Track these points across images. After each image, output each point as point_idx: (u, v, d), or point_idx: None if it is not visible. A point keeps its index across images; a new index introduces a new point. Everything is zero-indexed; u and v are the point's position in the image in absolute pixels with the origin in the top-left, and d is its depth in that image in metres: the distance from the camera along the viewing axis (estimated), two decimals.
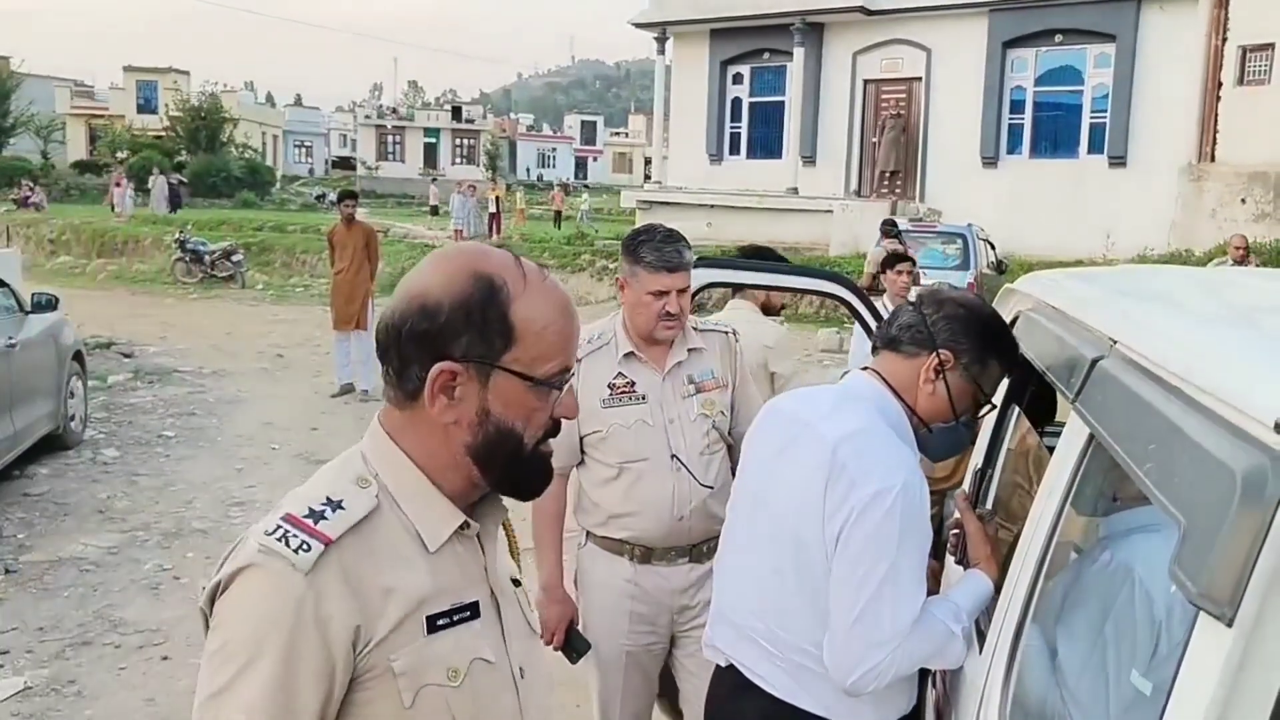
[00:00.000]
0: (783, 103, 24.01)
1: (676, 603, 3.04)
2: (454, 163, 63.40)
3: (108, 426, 9.36)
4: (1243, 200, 18.08)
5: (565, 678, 4.90)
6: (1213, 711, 0.94)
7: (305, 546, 1.24)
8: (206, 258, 20.90)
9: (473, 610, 1.35)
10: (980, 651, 2.00)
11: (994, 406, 2.24)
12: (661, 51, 25.04)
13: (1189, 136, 19.07)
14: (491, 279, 1.32)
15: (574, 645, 2.93)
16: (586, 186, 38.04)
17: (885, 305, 6.88)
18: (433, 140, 64.24)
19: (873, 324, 3.58)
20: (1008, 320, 3.11)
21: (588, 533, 3.09)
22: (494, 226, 26.77)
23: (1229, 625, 0.95)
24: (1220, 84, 18.63)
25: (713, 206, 22.07)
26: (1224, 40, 18.55)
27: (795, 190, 21.91)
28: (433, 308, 1.30)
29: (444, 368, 1.30)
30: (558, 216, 32.55)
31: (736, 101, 24.97)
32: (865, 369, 2.26)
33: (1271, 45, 17.73)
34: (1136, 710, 1.17)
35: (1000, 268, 15.77)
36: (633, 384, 3.00)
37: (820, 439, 2.06)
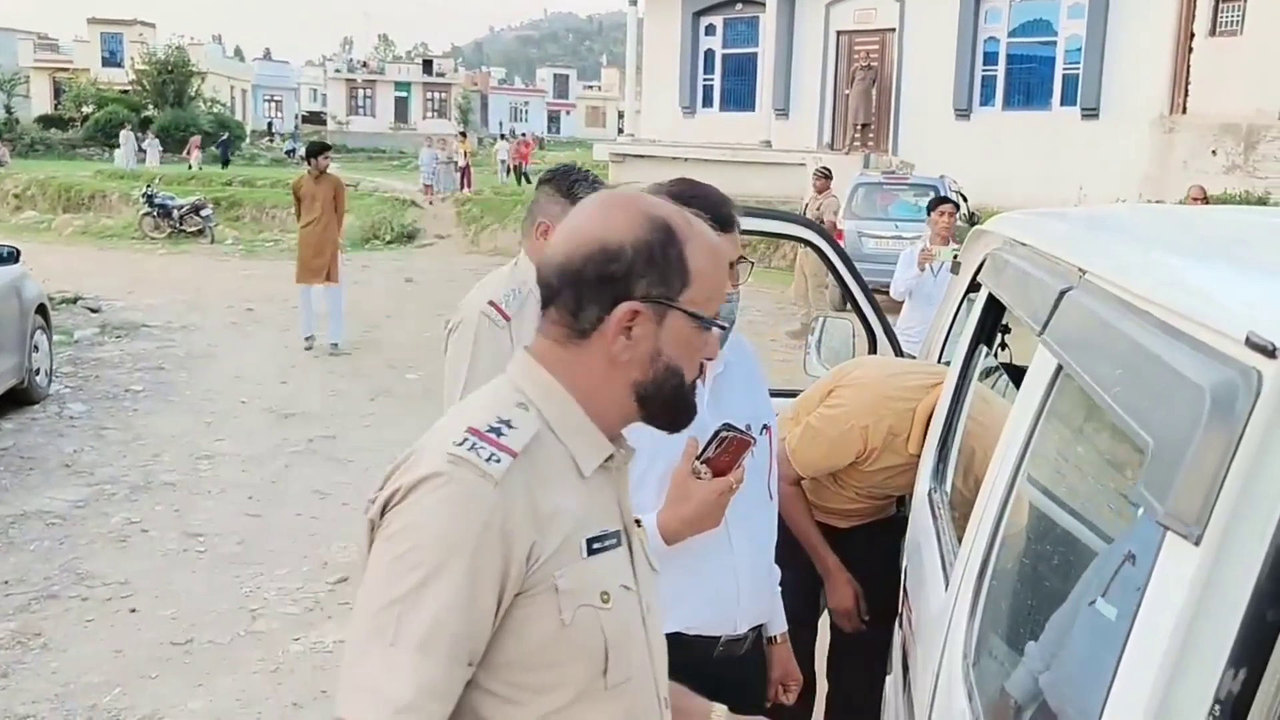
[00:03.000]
0: (755, 54, 23.79)
1: None
2: (425, 117, 62.70)
3: (74, 381, 9.25)
4: (1214, 152, 18.12)
5: None
6: (1179, 630, 0.92)
7: (496, 458, 1.27)
8: (175, 212, 20.64)
9: (617, 538, 1.39)
10: (946, 588, 1.99)
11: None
12: (634, 3, 24.73)
13: (1161, 88, 19.07)
14: (668, 222, 1.38)
15: None
16: (503, 136, 37.39)
17: (926, 244, 7.26)
18: (404, 94, 63.49)
19: (841, 267, 3.54)
20: (978, 263, 3.10)
21: None
22: (465, 181, 26.49)
23: (1196, 544, 0.93)
24: (1193, 35, 18.60)
25: (686, 159, 21.88)
26: None
27: (768, 143, 21.76)
28: (615, 250, 1.35)
29: (630, 307, 1.35)
30: (518, 171, 32.15)
31: (709, 53, 24.73)
32: None
33: None
34: (1102, 636, 1.16)
35: (973, 219, 15.77)
36: None
37: None
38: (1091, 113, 19.73)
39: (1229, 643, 0.85)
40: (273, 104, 67.01)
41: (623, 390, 1.39)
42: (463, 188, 25.73)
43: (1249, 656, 0.83)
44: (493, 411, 1.34)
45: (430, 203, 23.42)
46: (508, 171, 31.46)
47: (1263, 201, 15.44)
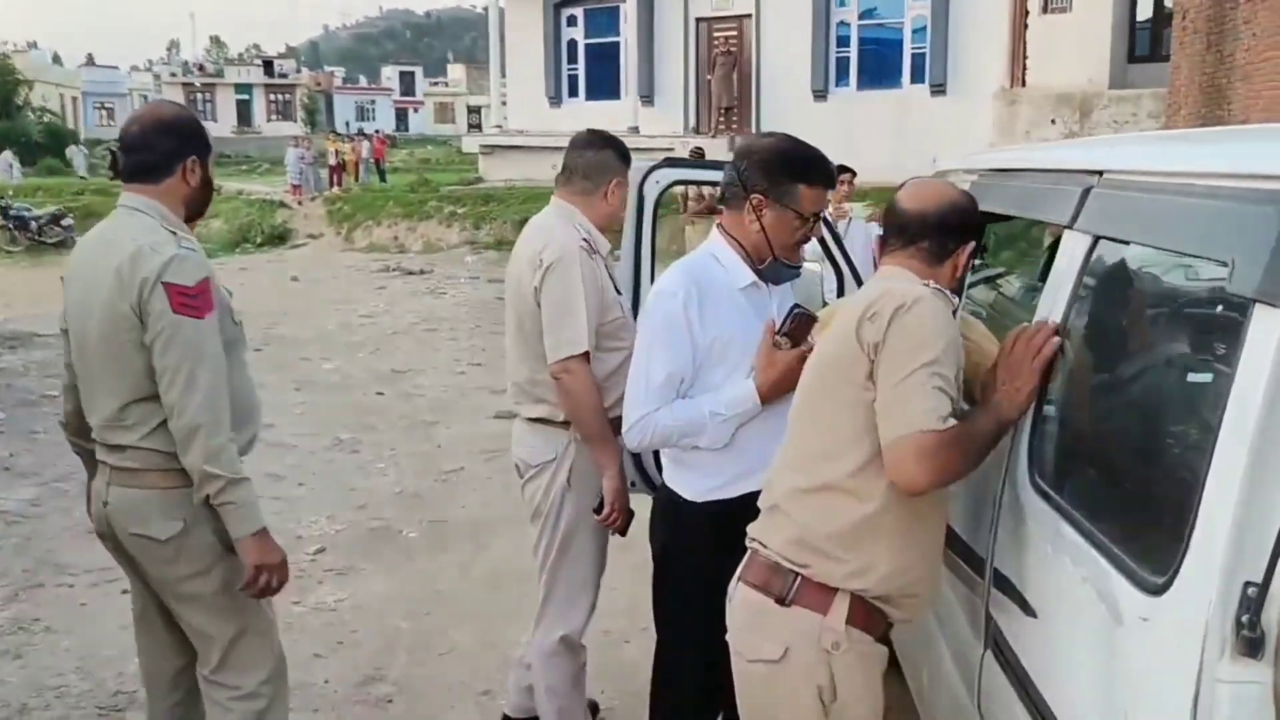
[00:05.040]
0: (618, 43, 24.28)
1: None
2: (270, 119, 61.26)
3: None
4: (1052, 121, 19.41)
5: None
6: (1278, 361, 1.39)
7: (946, 293, 2.23)
8: (33, 224, 19.93)
9: None
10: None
11: (816, 220, 2.76)
12: None
13: (1001, 63, 20.31)
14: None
15: (628, 521, 3.39)
16: (365, 135, 37.15)
17: (828, 213, 7.83)
18: (245, 97, 61.84)
19: None
20: None
21: None
22: (335, 179, 26.22)
23: None
24: (1027, 12, 19.87)
25: (556, 149, 22.18)
26: None
27: (636, 129, 22.24)
28: (966, 209, 2.31)
29: (972, 245, 2.29)
30: (378, 166, 31.75)
31: (572, 44, 25.09)
32: (719, 223, 2.81)
33: None
34: (1203, 399, 1.63)
35: None
36: (612, 276, 3.43)
37: None
38: (939, 89, 20.88)
39: None
40: (104, 111, 64.33)
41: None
42: (332, 186, 25.48)
43: None
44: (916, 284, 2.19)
45: (299, 203, 23.17)
46: (369, 170, 31.09)
47: None
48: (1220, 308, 1.61)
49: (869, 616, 2.18)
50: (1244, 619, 1.39)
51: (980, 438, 2.08)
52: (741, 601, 2.31)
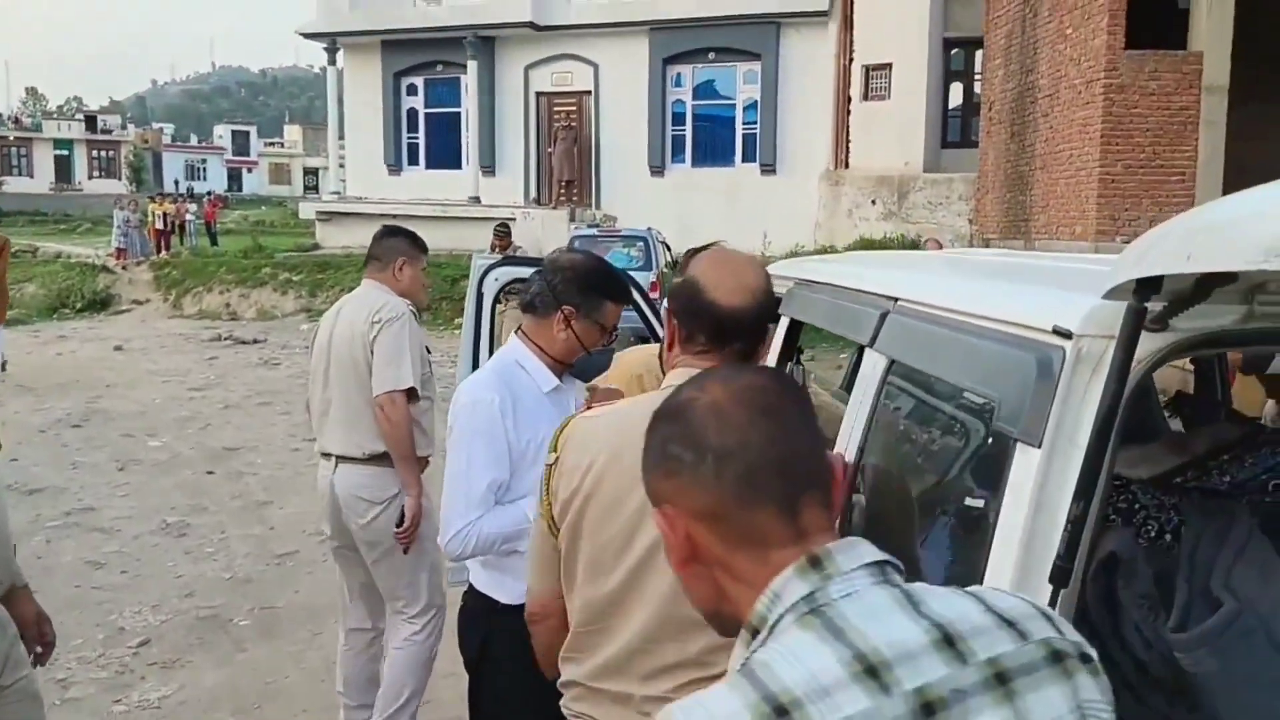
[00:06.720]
0: (459, 114, 24.45)
1: None
2: (92, 176, 58.87)
3: None
4: (873, 201, 20.50)
5: None
6: (1035, 493, 1.60)
7: None
8: None
9: None
10: None
11: (615, 333, 2.97)
12: (333, 62, 24.76)
13: (827, 146, 21.38)
14: None
15: None
16: (194, 198, 35.97)
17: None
18: (65, 152, 59.28)
19: (640, 301, 4.13)
20: None
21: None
22: (163, 243, 25.32)
23: (1038, 446, 1.61)
24: (850, 99, 21.02)
25: (395, 216, 22.12)
26: (850, 60, 20.95)
27: (477, 199, 22.42)
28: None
29: None
30: (209, 229, 30.93)
31: (412, 112, 25.15)
32: (519, 329, 2.95)
33: (889, 65, 20.23)
34: (976, 519, 1.84)
35: (675, 266, 17.06)
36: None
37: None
38: (769, 168, 21.80)
39: (1069, 490, 1.54)
40: None
41: None
42: (159, 250, 24.61)
43: (1081, 496, 1.52)
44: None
45: (123, 267, 22.29)
46: (199, 233, 30.21)
47: (915, 244, 17.67)
48: (992, 439, 1.82)
49: None
50: None
51: None
52: None
